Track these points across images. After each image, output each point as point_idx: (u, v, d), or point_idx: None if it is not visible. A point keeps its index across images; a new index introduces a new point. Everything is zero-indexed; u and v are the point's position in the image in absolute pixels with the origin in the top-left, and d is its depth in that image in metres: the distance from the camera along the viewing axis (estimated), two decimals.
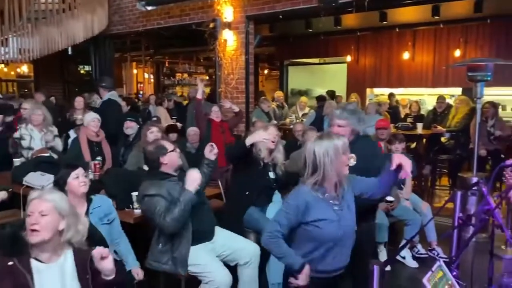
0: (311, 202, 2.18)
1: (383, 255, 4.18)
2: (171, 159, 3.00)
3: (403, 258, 4.25)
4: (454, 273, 1.75)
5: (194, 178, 2.80)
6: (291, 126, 6.85)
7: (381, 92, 10.74)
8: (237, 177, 3.67)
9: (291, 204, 2.21)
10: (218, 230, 3.15)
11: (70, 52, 8.07)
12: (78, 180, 2.70)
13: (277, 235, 2.19)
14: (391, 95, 9.59)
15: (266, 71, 15.13)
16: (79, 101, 5.90)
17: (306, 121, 6.76)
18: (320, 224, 2.17)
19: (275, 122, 7.02)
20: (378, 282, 1.78)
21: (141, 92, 14.00)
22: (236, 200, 3.52)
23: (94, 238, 2.48)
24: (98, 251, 1.88)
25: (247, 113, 6.82)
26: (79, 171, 2.74)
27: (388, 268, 4.05)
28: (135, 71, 14.38)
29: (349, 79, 10.97)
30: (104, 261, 1.87)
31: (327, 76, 11.97)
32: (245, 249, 3.08)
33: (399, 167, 2.18)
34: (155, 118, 6.55)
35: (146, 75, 14.17)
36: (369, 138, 3.14)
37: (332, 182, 2.19)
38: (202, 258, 2.88)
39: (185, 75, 14.22)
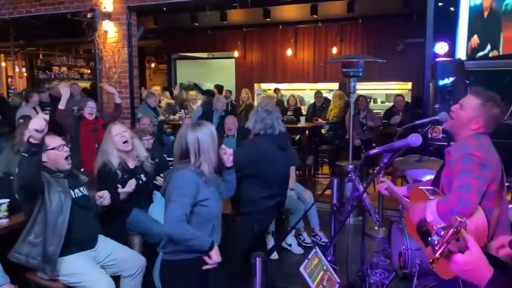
0: (198, 183, 2.32)
1: (271, 245, 4.33)
2: (51, 158, 2.72)
3: (290, 245, 4.45)
4: (329, 258, 1.86)
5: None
6: (181, 122, 6.73)
7: (268, 87, 11.12)
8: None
9: (185, 186, 2.28)
10: (103, 238, 2.94)
11: None
12: None
13: (184, 218, 2.23)
14: (276, 90, 9.97)
15: (153, 65, 14.66)
16: None
17: (193, 117, 6.69)
18: (207, 203, 2.33)
19: (162, 117, 6.83)
20: (261, 273, 1.82)
21: (12, 87, 12.59)
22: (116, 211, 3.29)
23: None
24: None
25: (132, 108, 6.53)
26: None
27: (275, 256, 4.23)
28: (3, 64, 12.88)
29: (238, 74, 11.14)
30: None
31: (216, 71, 12.01)
32: (131, 260, 2.92)
33: None
34: (21, 120, 5.64)
35: (17, 69, 12.75)
36: (261, 137, 3.14)
37: (209, 165, 2.37)
38: (82, 266, 2.66)
39: (64, 69, 13.11)
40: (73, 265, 2.66)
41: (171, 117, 7.87)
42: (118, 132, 3.20)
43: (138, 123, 5.34)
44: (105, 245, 2.90)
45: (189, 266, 2.32)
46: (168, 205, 2.29)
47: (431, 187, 2.17)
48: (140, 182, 3.28)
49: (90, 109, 4.79)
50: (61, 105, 4.78)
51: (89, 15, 6.33)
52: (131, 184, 3.09)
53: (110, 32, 6.39)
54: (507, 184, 2.16)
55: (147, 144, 4.06)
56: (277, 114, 3.14)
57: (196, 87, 9.50)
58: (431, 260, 1.14)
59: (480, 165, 1.91)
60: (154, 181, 3.47)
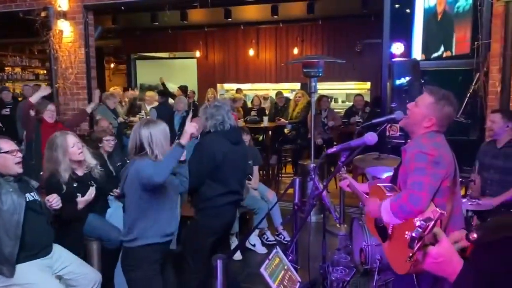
0: None
1: (235, 245, 4.31)
2: (1, 162, 2.60)
3: (253, 245, 4.45)
4: (290, 257, 1.87)
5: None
6: None
7: (231, 88, 11.10)
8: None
9: (148, 165, 2.43)
10: (58, 248, 2.82)
11: None
12: None
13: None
14: (238, 91, 9.94)
15: (112, 65, 14.30)
16: None
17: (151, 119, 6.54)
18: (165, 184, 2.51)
19: (121, 119, 6.66)
20: (222, 276, 1.80)
21: None
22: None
23: None
24: None
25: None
26: None
27: (239, 257, 4.22)
28: None
29: (200, 75, 11.07)
30: None
31: (177, 71, 11.87)
32: (88, 276, 2.82)
33: None
34: None
35: None
36: (210, 134, 3.12)
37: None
38: (35, 276, 2.55)
39: (18, 69, 12.56)
40: (27, 274, 2.54)
41: (131, 118, 7.68)
42: (74, 143, 3.07)
43: (96, 125, 5.19)
44: (61, 254, 2.80)
45: (149, 252, 2.49)
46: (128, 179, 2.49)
47: (389, 184, 2.22)
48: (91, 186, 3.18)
49: (50, 113, 4.60)
50: (33, 99, 4.59)
51: (43, 14, 6.09)
52: (91, 192, 2.99)
53: (65, 31, 6.18)
54: (460, 179, 2.24)
55: (108, 146, 3.95)
56: (226, 108, 3.09)
57: (163, 86, 9.34)
58: (410, 255, 1.13)
59: (433, 163, 1.96)
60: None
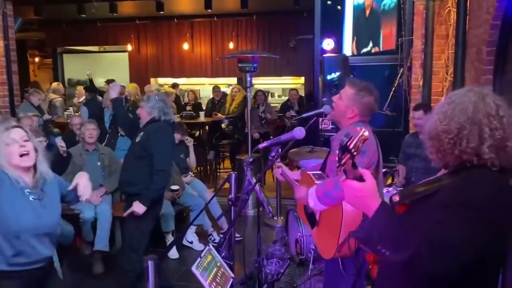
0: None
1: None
2: None
3: (191, 243, 4.39)
4: (223, 254, 1.86)
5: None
6: (69, 120, 6.24)
7: (165, 82, 10.85)
8: None
9: None
10: None
11: None
12: None
13: None
14: (175, 85, 9.69)
15: (37, 59, 13.44)
16: None
17: (82, 116, 6.21)
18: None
19: (48, 116, 6.28)
20: (153, 277, 1.75)
21: None
22: None
23: None
24: None
25: (12, 107, 5.91)
26: None
27: (175, 255, 4.15)
28: None
29: (132, 68, 10.71)
30: None
31: (108, 65, 11.38)
32: None
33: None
34: None
35: None
36: (161, 122, 3.17)
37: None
38: None
39: None
40: None
41: (58, 115, 7.27)
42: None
43: (18, 123, 4.84)
44: None
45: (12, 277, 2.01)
46: None
47: (318, 172, 2.28)
48: None
49: None
50: None
51: None
52: None
53: None
54: (386, 169, 2.35)
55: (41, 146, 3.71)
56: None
57: (90, 81, 8.90)
58: (338, 164, 1.22)
59: None
60: None
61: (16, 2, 5.97)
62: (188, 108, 7.85)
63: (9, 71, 5.87)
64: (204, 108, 8.00)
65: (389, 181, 3.80)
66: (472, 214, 1.13)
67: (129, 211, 2.97)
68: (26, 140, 2.06)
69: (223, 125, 7.56)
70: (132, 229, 3.10)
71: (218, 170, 7.20)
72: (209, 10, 8.41)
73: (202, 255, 1.71)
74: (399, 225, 1.21)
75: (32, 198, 2.03)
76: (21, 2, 6.29)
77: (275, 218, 5.01)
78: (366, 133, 1.19)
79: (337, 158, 1.21)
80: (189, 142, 4.94)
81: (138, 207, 2.93)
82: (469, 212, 1.13)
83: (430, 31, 4.14)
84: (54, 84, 8.37)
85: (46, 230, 2.07)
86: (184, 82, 10.66)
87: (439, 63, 4.30)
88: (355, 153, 1.19)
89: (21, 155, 2.02)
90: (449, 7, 4.13)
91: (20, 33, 6.28)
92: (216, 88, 8.09)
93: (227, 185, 2.55)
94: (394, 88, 4.72)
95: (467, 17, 3.64)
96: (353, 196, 1.26)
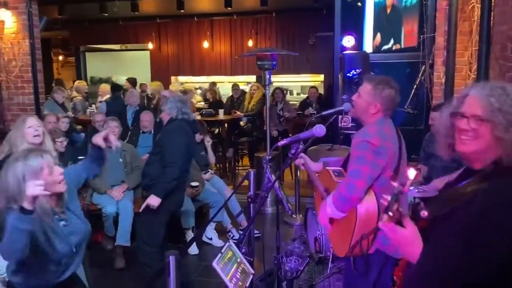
0: None
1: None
2: None
3: (210, 239, 4.43)
4: (243, 250, 1.87)
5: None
6: (91, 118, 6.36)
7: (185, 80, 10.94)
8: None
9: None
10: None
11: None
12: None
13: None
14: (212, 85, 9.56)
15: (61, 58, 13.71)
16: None
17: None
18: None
19: (71, 114, 6.41)
20: (174, 272, 1.78)
21: None
22: None
23: None
24: None
25: (37, 105, 6.06)
26: None
27: (195, 251, 4.19)
28: None
29: (153, 67, 10.83)
30: None
31: (129, 63, 11.55)
32: None
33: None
34: None
35: None
36: (178, 121, 3.31)
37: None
38: None
39: None
40: None
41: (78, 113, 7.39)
42: (32, 125, 3.00)
43: (43, 121, 4.96)
44: None
45: None
46: None
47: (338, 168, 2.26)
48: None
49: None
50: None
51: None
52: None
53: (7, 22, 5.85)
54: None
55: (61, 147, 3.82)
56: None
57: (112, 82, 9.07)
58: (388, 215, 1.18)
59: (374, 152, 2.02)
60: None
61: (41, 2, 6.11)
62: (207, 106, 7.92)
63: (34, 69, 6.02)
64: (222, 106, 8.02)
65: None
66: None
67: (144, 204, 3.08)
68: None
69: (241, 123, 7.59)
70: (147, 223, 3.20)
71: (236, 168, 7.23)
72: (229, 8, 8.44)
73: (222, 250, 1.73)
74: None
75: (62, 224, 2.04)
76: (45, 2, 6.43)
77: (294, 216, 5.00)
78: (411, 175, 1.17)
79: (386, 204, 1.18)
80: (208, 141, 4.97)
81: (153, 200, 3.07)
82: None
83: (453, 28, 4.07)
84: (76, 83, 8.52)
85: (78, 248, 2.12)
86: (204, 80, 10.73)
87: (462, 60, 4.22)
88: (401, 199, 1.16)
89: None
90: (473, 3, 4.04)
91: (44, 32, 6.41)
92: (235, 86, 8.12)
93: (245, 183, 2.57)
94: (415, 85, 4.65)
95: (492, 13, 3.56)
96: (395, 240, 1.22)
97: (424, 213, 1.17)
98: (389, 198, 1.17)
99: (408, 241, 1.20)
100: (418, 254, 1.20)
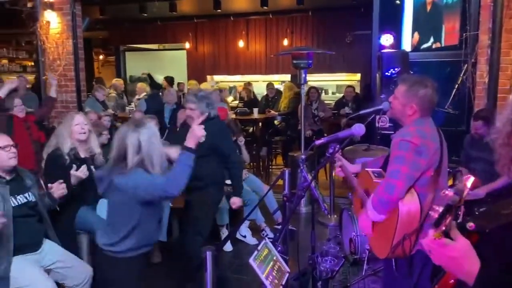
0: None
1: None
2: None
3: (244, 237, 4.46)
4: (279, 248, 1.88)
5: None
6: (130, 115, 6.53)
7: (221, 79, 11.05)
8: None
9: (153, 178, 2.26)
10: (49, 243, 2.80)
11: None
12: None
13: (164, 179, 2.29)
14: (247, 84, 9.63)
15: (101, 57, 14.15)
16: None
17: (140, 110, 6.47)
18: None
19: (111, 112, 6.60)
20: (211, 267, 1.82)
21: None
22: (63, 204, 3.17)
23: None
24: None
25: (79, 102, 6.29)
26: None
27: (230, 248, 4.23)
28: None
29: (189, 66, 10.99)
30: None
31: (167, 63, 11.77)
32: (77, 269, 2.81)
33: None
34: None
35: None
36: (216, 119, 3.31)
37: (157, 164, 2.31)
38: (21, 270, 2.53)
39: (4, 61, 12.38)
40: (14, 269, 2.52)
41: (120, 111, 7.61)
42: (79, 122, 3.19)
43: None
44: (51, 249, 2.77)
45: (135, 263, 2.38)
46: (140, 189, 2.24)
47: (378, 170, 2.23)
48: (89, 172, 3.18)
49: (19, 108, 4.48)
50: (2, 93, 4.48)
51: (29, 5, 6.01)
52: (83, 170, 3.01)
53: (53, 22, 6.09)
54: (449, 170, 2.26)
55: (105, 139, 3.99)
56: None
57: (150, 78, 9.26)
58: (440, 229, 1.02)
59: (415, 152, 1.98)
60: None
61: (84, 3, 6.33)
62: (241, 105, 7.97)
63: (77, 68, 6.24)
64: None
65: (450, 182, 3.65)
66: None
67: (235, 207, 3.40)
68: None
69: (276, 122, 7.59)
70: (201, 215, 3.29)
71: (270, 167, 7.24)
72: (265, 8, 8.45)
73: (259, 248, 1.74)
74: None
75: None
76: (88, 3, 6.65)
77: (329, 216, 4.97)
78: (469, 183, 1.01)
79: (437, 215, 1.02)
80: (241, 141, 4.98)
81: (237, 200, 3.36)
82: None
83: (498, 25, 3.92)
84: (114, 81, 8.77)
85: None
86: (238, 79, 10.81)
87: (507, 59, 4.06)
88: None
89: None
90: None
91: (85, 32, 6.64)
92: (270, 85, 8.13)
93: (280, 182, 2.57)
94: (457, 85, 4.51)
95: None
96: (445, 257, 1.03)
97: (472, 226, 1.04)
98: (440, 209, 1.01)
99: (463, 256, 1.00)
100: (475, 272, 1.00)
